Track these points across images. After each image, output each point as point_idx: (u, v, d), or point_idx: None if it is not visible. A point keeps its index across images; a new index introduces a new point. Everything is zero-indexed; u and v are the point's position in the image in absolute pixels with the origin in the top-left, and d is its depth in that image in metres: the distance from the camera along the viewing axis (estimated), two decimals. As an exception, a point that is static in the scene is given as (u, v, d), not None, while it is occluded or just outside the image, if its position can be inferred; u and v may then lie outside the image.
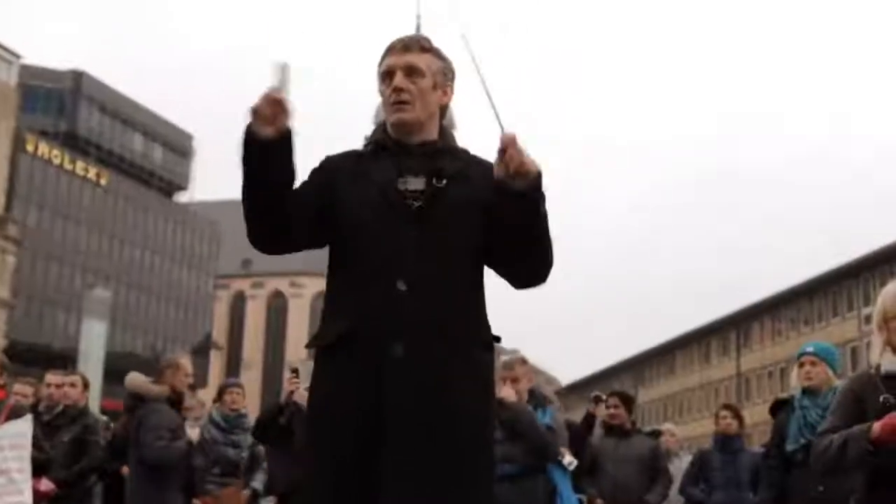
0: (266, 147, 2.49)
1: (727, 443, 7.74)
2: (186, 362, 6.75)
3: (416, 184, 2.63)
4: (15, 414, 5.58)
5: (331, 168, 2.72)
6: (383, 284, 2.53)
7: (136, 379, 6.69)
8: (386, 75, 2.73)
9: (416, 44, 2.76)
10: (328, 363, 2.58)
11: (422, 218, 2.59)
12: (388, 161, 2.68)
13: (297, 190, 2.62)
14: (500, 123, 2.49)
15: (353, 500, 2.48)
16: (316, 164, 2.76)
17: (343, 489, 2.49)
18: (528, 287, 2.73)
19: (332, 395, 2.54)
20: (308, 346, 2.68)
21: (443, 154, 2.71)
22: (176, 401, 6.51)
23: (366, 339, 2.51)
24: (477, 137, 2.82)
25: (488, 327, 2.69)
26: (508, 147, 2.46)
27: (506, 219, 2.55)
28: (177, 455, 6.31)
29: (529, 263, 2.66)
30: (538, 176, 2.49)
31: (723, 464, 7.62)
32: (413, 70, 2.70)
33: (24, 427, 5.47)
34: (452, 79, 2.80)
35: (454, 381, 2.53)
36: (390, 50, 2.76)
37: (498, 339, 2.69)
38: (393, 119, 2.71)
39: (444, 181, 2.64)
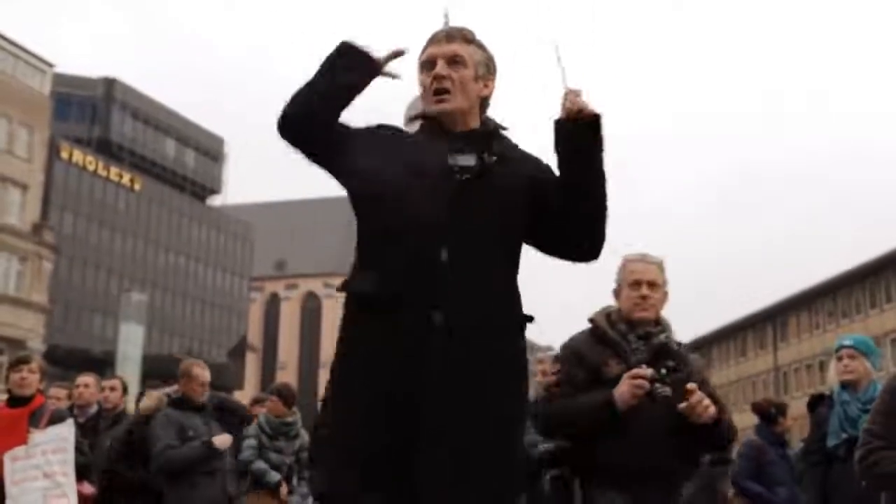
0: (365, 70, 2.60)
1: (780, 436, 7.39)
2: (201, 371, 6.70)
3: (466, 160, 2.61)
4: (56, 418, 5.64)
5: (379, 130, 2.70)
6: (427, 252, 2.51)
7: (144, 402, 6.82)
8: (427, 64, 2.71)
9: (460, 34, 2.74)
10: (368, 319, 2.53)
11: (469, 192, 2.57)
12: (439, 139, 2.66)
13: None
14: (563, 78, 2.56)
15: (385, 489, 2.44)
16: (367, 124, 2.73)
17: (375, 479, 2.44)
18: (584, 257, 2.72)
19: (372, 366, 2.49)
20: (341, 289, 2.62)
21: (490, 136, 2.71)
22: (186, 404, 6.55)
23: (409, 305, 2.48)
24: (520, 135, 2.81)
25: (521, 306, 2.68)
26: (570, 97, 2.55)
27: (562, 163, 2.61)
28: (182, 457, 6.30)
29: (585, 220, 2.65)
30: (596, 118, 2.56)
31: (780, 458, 7.28)
32: (455, 59, 2.68)
33: (65, 431, 5.53)
34: (494, 72, 2.78)
35: (492, 363, 2.52)
36: (432, 39, 2.73)
37: (531, 318, 2.67)
38: (433, 110, 2.69)
39: (494, 157, 2.63)
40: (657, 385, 3.50)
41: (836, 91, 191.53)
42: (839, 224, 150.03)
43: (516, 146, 2.76)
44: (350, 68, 2.60)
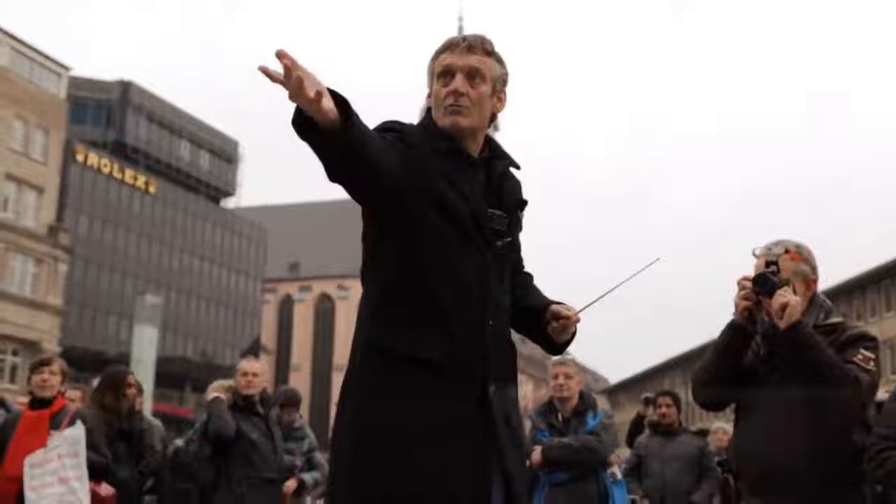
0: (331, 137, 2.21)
1: None
2: (245, 364, 6.90)
3: (500, 223, 2.62)
4: (76, 420, 5.67)
5: (414, 151, 2.51)
6: (478, 320, 2.53)
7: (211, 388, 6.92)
8: (445, 74, 2.62)
9: (480, 45, 2.63)
10: (422, 385, 2.46)
11: (501, 255, 2.63)
12: (472, 178, 2.62)
13: (382, 147, 2.39)
14: (582, 310, 2.70)
15: None
16: (396, 126, 2.56)
17: None
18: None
19: (443, 424, 2.45)
20: (384, 348, 2.49)
21: (510, 179, 2.73)
22: (242, 402, 6.64)
23: (470, 375, 2.49)
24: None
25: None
26: (570, 326, 2.68)
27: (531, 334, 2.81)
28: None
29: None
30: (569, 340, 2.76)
31: None
32: (475, 74, 2.60)
33: (77, 434, 5.55)
34: (507, 84, 2.71)
35: (516, 411, 2.66)
36: (451, 47, 2.63)
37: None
38: (447, 122, 2.60)
39: (521, 213, 2.73)
40: (767, 275, 3.39)
41: (860, 93, 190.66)
42: (854, 226, 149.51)
43: (509, 170, 2.76)
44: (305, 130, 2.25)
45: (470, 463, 2.45)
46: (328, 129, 2.19)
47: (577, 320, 2.67)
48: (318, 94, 2.13)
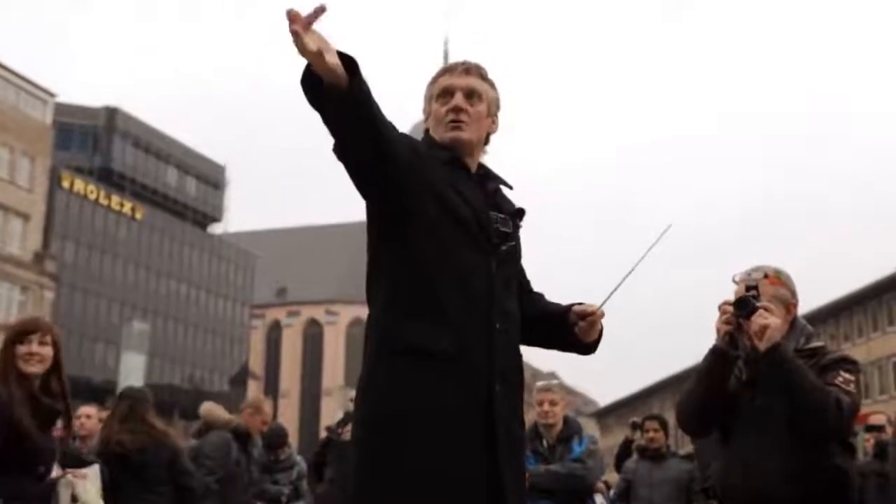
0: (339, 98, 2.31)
1: None
2: (268, 408, 6.90)
3: (505, 225, 2.72)
4: (68, 455, 5.54)
5: (421, 158, 2.61)
6: (484, 320, 2.59)
7: (209, 408, 6.81)
8: (444, 94, 2.76)
9: (476, 70, 2.81)
10: (432, 374, 2.51)
11: (507, 259, 2.71)
12: (474, 184, 2.73)
13: (391, 126, 2.49)
14: (604, 302, 2.77)
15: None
16: (406, 136, 2.66)
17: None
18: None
19: (446, 419, 2.48)
20: (392, 346, 2.54)
21: (504, 198, 2.83)
22: (244, 437, 6.61)
23: (475, 372, 2.53)
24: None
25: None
26: (597, 322, 2.77)
27: (547, 339, 2.92)
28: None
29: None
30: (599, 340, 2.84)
31: None
32: (473, 93, 2.75)
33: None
34: (500, 109, 2.87)
35: (520, 414, 2.70)
36: (450, 70, 2.80)
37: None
38: (448, 136, 2.73)
39: (520, 222, 2.81)
40: (747, 298, 3.39)
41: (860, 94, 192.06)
42: (839, 247, 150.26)
43: (500, 188, 2.85)
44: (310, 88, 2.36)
45: (469, 477, 2.48)
46: (334, 85, 2.29)
47: (602, 315, 2.76)
48: (327, 51, 2.26)
